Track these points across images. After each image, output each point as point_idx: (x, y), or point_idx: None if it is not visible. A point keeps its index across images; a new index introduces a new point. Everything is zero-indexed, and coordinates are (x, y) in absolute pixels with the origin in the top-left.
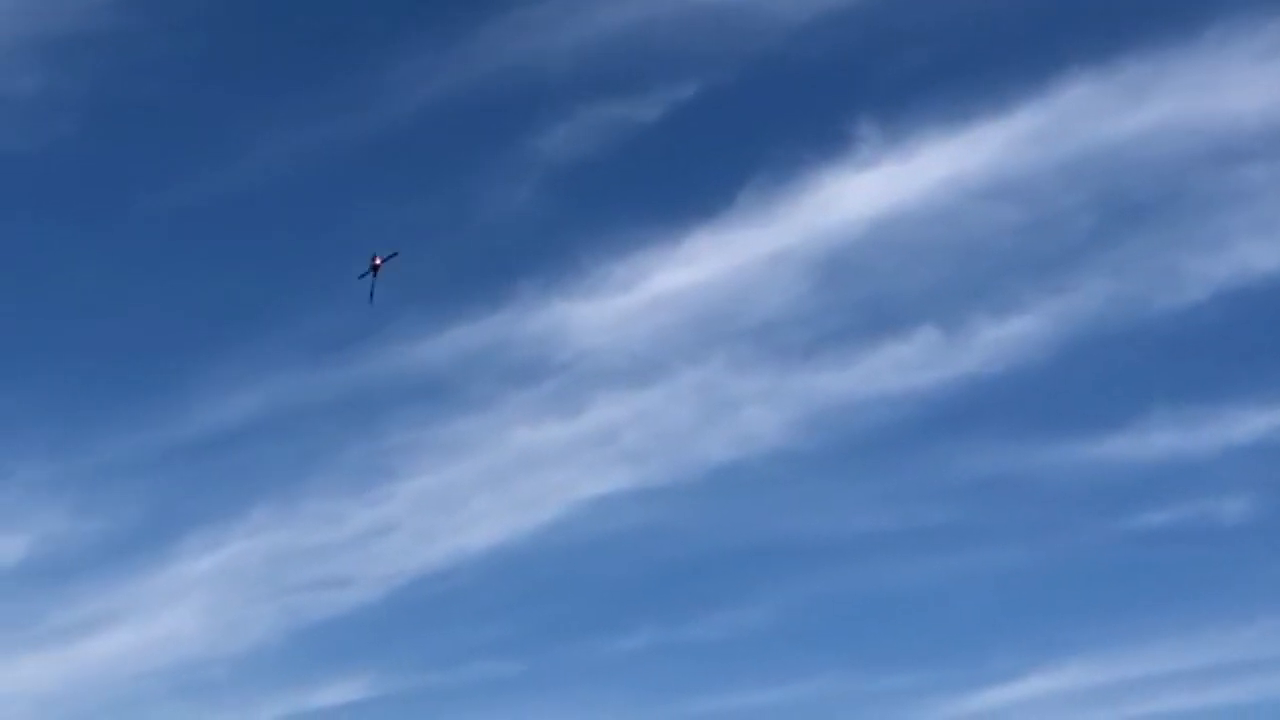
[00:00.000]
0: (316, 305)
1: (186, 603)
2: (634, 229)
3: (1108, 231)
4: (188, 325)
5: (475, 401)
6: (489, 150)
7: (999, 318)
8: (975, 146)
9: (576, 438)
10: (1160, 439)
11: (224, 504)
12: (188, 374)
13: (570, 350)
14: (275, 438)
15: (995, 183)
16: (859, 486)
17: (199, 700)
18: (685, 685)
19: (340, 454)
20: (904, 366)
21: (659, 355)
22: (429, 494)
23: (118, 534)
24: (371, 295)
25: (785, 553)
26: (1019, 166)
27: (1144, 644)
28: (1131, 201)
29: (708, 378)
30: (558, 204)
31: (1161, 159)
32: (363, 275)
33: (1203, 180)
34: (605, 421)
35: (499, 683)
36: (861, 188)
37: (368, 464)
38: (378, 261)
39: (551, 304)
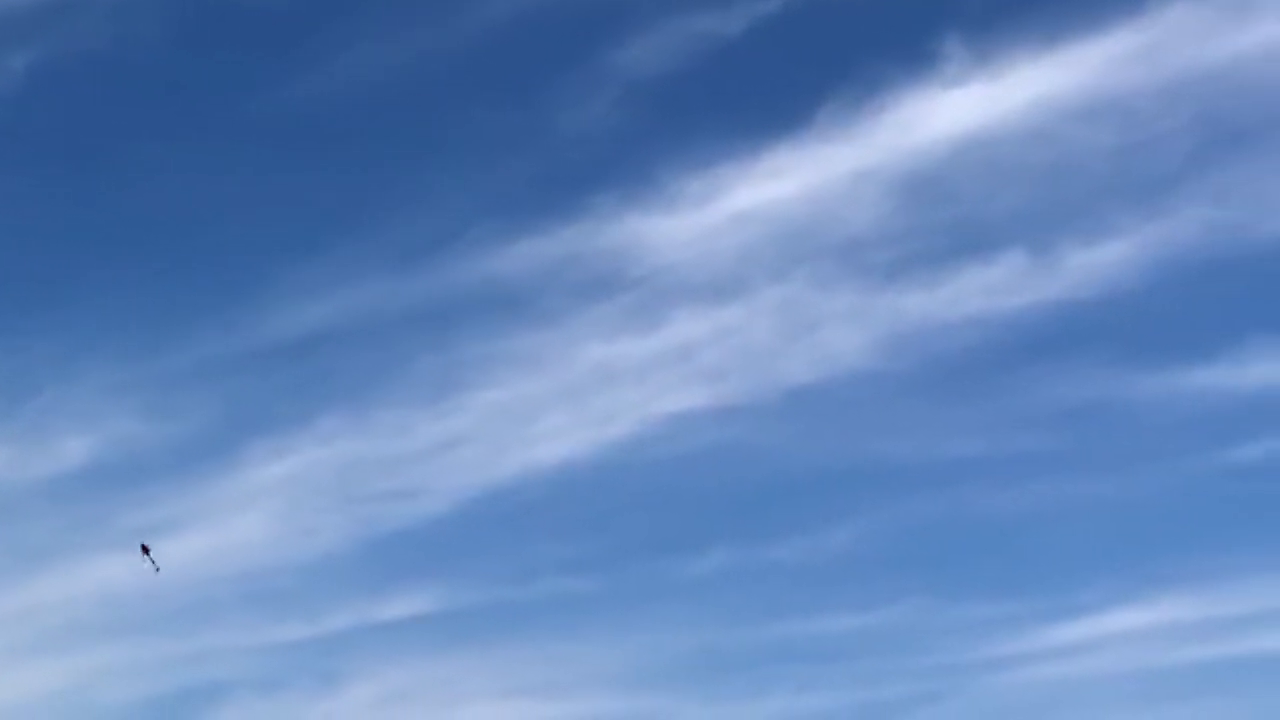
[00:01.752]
0: (392, 215)
1: (255, 510)
2: (713, 144)
3: (1206, 156)
4: (267, 231)
5: (549, 315)
6: (569, 62)
7: (1090, 242)
8: (1068, 66)
9: (652, 354)
10: (1258, 369)
11: (294, 411)
12: (265, 281)
13: (646, 265)
14: (347, 346)
15: (1089, 104)
16: (943, 411)
17: (267, 608)
18: (761, 608)
19: (412, 364)
20: (991, 290)
21: (738, 272)
22: (501, 407)
23: (188, 439)
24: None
25: (866, 476)
26: (1114, 87)
27: (1239, 580)
28: (1232, 125)
29: (789, 296)
30: (636, 117)
31: (1264, 81)
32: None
33: None
34: (682, 338)
35: (570, 599)
36: (948, 107)
37: (439, 375)
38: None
39: (627, 218)
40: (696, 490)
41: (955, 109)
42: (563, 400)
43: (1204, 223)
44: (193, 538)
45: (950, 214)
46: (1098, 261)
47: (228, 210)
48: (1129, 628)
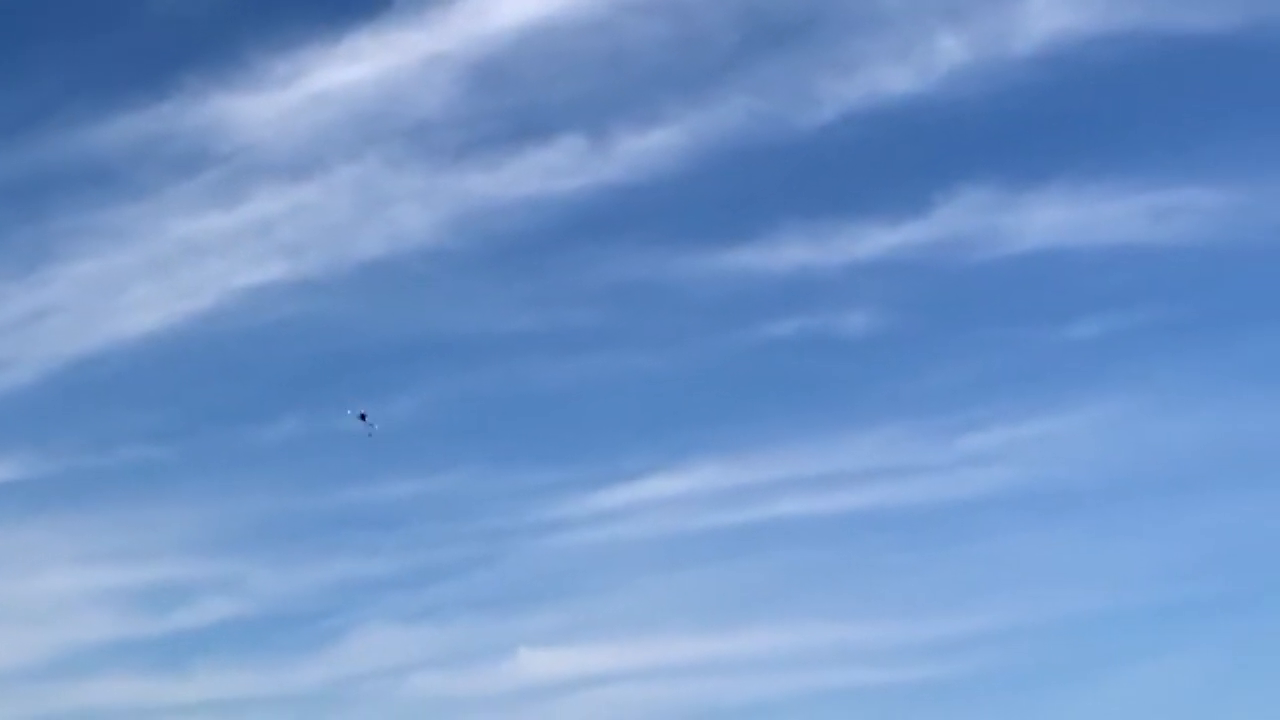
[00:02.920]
0: None
1: None
2: (298, 27)
3: (750, 49)
4: None
5: (138, 190)
6: None
7: (642, 129)
8: None
9: (234, 229)
10: (790, 253)
11: None
12: None
13: (231, 143)
14: None
15: None
16: (504, 287)
17: None
18: (329, 476)
19: (2, 237)
20: (550, 172)
21: (317, 151)
22: (89, 280)
23: None
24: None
25: (432, 349)
26: None
27: (769, 449)
28: (773, 22)
29: (363, 175)
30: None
31: None
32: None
33: (840, 5)
34: (263, 214)
35: (149, 468)
36: None
37: (29, 248)
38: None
39: (215, 97)
40: (272, 361)
41: None
42: (149, 273)
43: (746, 113)
44: None
45: (515, 99)
46: (649, 147)
47: None
48: (669, 492)
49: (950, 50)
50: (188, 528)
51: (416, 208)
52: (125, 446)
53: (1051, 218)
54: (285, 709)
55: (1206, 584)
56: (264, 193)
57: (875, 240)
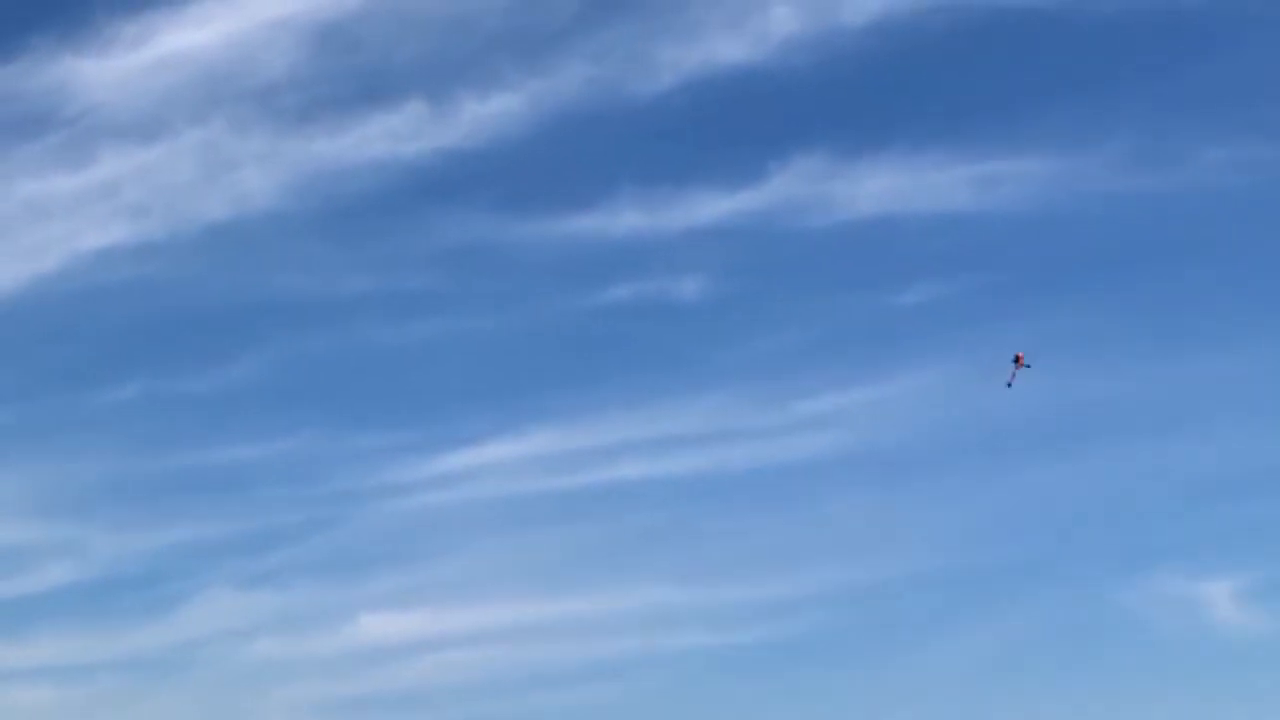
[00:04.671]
0: None
1: None
2: None
3: (589, 17)
4: None
5: None
6: None
7: (483, 94)
8: None
9: (80, 190)
10: (626, 219)
11: None
12: None
13: (78, 105)
14: None
15: None
16: (346, 251)
17: None
18: (169, 439)
19: None
20: (393, 136)
21: (163, 113)
22: None
23: None
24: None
25: (273, 311)
26: None
27: (603, 414)
28: None
29: (209, 137)
30: None
31: None
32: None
33: None
34: (108, 176)
35: None
36: None
37: None
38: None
39: (63, 58)
40: (114, 323)
41: None
42: None
43: (584, 79)
44: None
45: (358, 62)
46: (490, 112)
47: None
48: (504, 457)
49: (784, 20)
50: (25, 491)
51: (261, 171)
52: None
53: (882, 185)
54: (126, 674)
55: (1029, 547)
56: (110, 155)
57: (710, 207)
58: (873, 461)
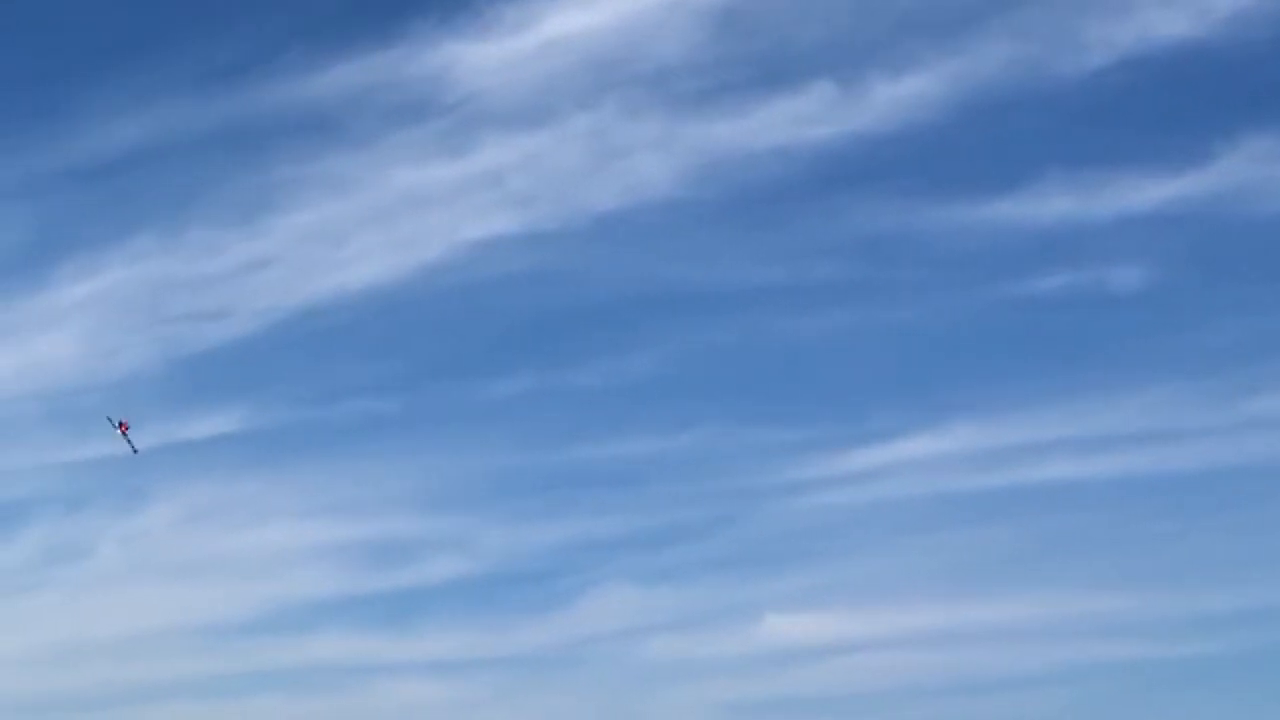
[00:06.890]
0: (203, 35)
1: (63, 328)
2: None
3: None
4: (72, 52)
5: (361, 139)
6: None
7: (895, 76)
8: None
9: (462, 179)
10: (1054, 204)
11: (104, 231)
12: (72, 101)
13: (459, 91)
14: (158, 166)
15: None
16: (748, 239)
17: (72, 426)
18: (561, 432)
19: (223, 186)
20: (798, 120)
21: (549, 99)
22: (310, 229)
23: None
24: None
25: (670, 303)
26: None
27: (1028, 410)
28: None
29: (598, 123)
30: None
31: None
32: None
33: None
34: (492, 164)
35: (373, 421)
36: None
37: (250, 197)
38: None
39: (442, 43)
40: (501, 315)
41: None
42: (372, 224)
43: (1005, 59)
44: None
45: (760, 44)
46: (902, 94)
47: (32, 30)
48: (919, 455)
49: None
50: (412, 484)
51: (655, 157)
52: (348, 399)
53: None
54: (514, 670)
55: None
56: (493, 142)
57: (1149, 192)
58: None
